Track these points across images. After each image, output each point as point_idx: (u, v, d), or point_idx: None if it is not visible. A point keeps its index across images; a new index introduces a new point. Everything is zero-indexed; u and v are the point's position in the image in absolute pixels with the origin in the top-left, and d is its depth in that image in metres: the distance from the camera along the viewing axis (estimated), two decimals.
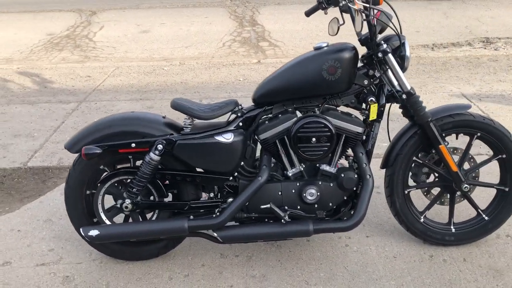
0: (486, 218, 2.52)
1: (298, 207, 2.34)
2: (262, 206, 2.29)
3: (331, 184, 2.34)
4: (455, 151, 2.49)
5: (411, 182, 2.54)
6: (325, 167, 2.36)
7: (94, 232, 2.24)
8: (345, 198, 2.38)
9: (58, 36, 7.02)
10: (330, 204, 2.36)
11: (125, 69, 5.51)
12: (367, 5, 2.15)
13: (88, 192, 2.38)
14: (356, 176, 2.33)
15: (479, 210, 2.54)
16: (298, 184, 2.33)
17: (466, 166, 2.51)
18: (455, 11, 7.77)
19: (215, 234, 2.28)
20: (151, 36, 6.95)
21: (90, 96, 4.71)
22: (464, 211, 2.70)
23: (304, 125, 2.22)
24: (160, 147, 2.22)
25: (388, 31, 2.34)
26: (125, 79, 5.18)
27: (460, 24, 7.11)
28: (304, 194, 2.31)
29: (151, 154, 2.22)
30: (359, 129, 2.30)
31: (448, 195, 2.51)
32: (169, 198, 2.44)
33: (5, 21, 7.87)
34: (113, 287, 2.35)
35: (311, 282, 2.35)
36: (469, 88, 4.68)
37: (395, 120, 3.07)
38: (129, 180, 2.34)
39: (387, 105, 2.39)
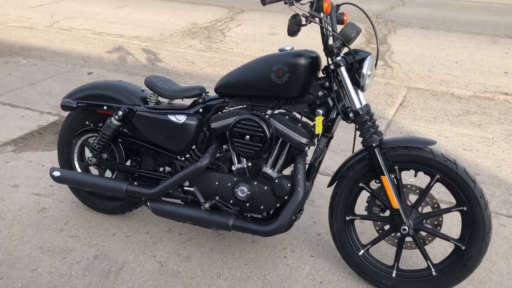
0: (434, 273, 2.21)
1: (231, 202, 2.37)
2: (186, 188, 2.39)
3: (265, 188, 2.32)
4: (417, 190, 2.24)
5: (361, 211, 2.36)
6: (267, 170, 2.34)
7: (56, 173, 2.60)
8: (278, 205, 2.32)
9: (199, 26, 7.78)
10: (262, 207, 2.34)
11: (228, 62, 5.90)
12: (305, 11, 2.07)
13: (73, 141, 2.75)
14: (289, 185, 2.27)
15: (429, 262, 2.23)
16: (234, 179, 2.36)
17: (428, 209, 2.24)
18: None
19: (148, 204, 2.46)
20: (276, 38, 7.25)
21: (179, 78, 5.20)
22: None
23: (240, 121, 2.25)
24: (120, 113, 2.47)
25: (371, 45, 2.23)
26: (219, 70, 5.57)
27: None
28: (236, 190, 2.34)
29: (112, 118, 2.49)
30: (303, 139, 2.24)
31: (398, 236, 2.26)
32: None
33: (169, 8, 8.98)
34: (69, 226, 2.69)
35: (223, 276, 2.37)
36: None
37: None
38: None
39: None
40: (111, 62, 5.68)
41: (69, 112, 2.71)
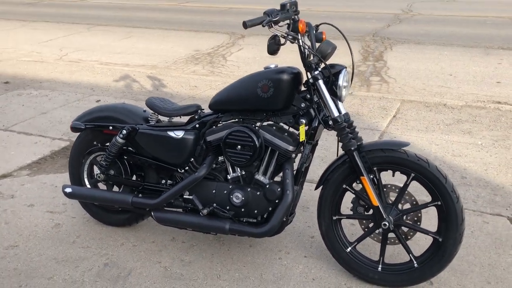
0: (416, 265, 2.39)
1: (227, 207, 2.58)
2: (185, 196, 2.61)
3: (258, 193, 2.53)
4: (396, 189, 2.43)
5: (346, 211, 2.55)
6: (259, 177, 2.55)
7: (68, 190, 2.84)
8: (270, 209, 2.53)
9: (201, 53, 8.11)
10: (256, 212, 2.54)
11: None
12: (282, 32, 2.32)
13: (83, 160, 2.99)
14: (279, 189, 2.48)
15: (411, 255, 2.42)
16: (230, 187, 2.58)
17: (408, 206, 2.43)
18: None
19: (152, 213, 2.68)
20: (276, 60, 7.52)
21: (182, 101, 5.47)
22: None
23: (232, 133, 2.48)
24: (124, 132, 2.71)
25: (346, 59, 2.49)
26: None
27: None
28: (231, 196, 2.55)
29: (117, 137, 2.73)
30: (289, 147, 2.46)
31: (380, 232, 2.45)
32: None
33: (172, 37, 9.35)
34: (81, 239, 2.92)
35: (222, 277, 2.56)
36: None
37: None
38: None
39: None
40: (118, 89, 5.98)
41: (78, 133, 2.96)
